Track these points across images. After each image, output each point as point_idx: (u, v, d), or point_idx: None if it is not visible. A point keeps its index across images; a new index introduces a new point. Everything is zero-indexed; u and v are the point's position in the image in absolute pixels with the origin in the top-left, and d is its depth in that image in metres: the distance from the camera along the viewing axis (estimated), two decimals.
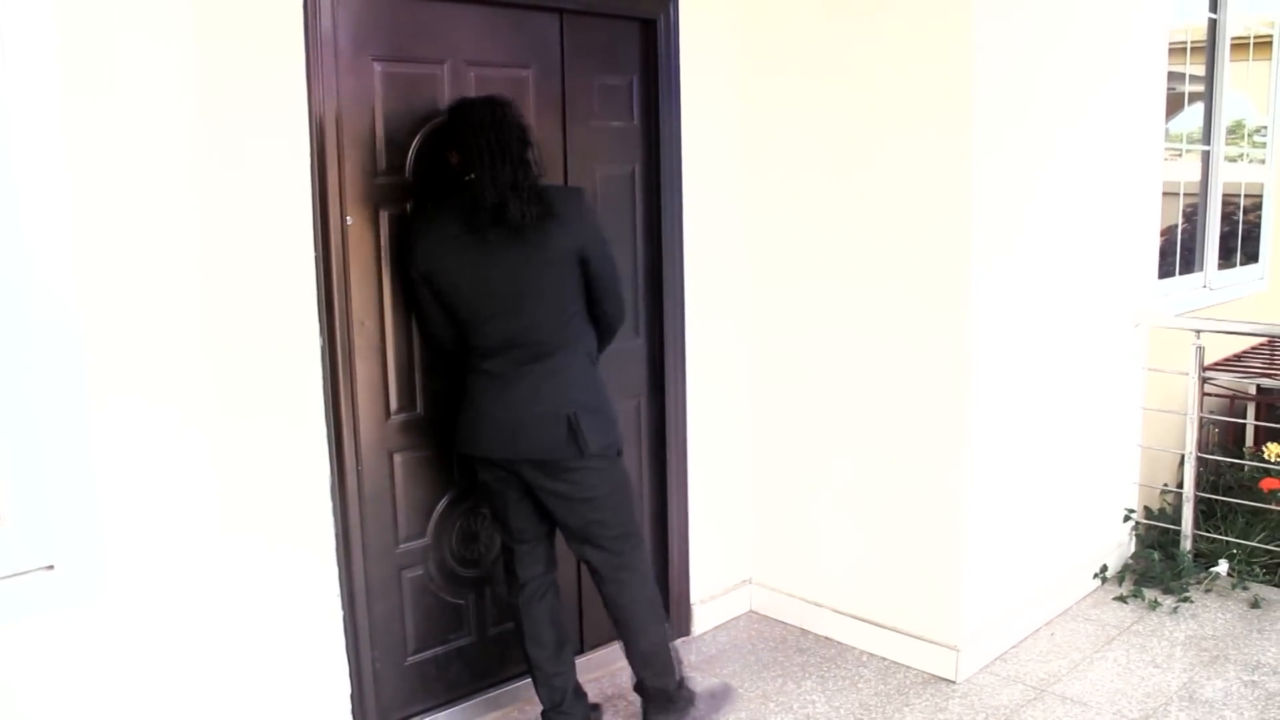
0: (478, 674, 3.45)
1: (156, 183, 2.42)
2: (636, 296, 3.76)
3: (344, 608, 3.08)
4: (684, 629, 4.02)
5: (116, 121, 2.33)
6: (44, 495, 2.18)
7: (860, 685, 3.65)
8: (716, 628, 4.12)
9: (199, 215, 2.53)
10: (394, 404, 3.17)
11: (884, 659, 3.82)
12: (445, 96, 3.14)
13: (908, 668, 3.75)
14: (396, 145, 3.08)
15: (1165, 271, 5.24)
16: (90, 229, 2.28)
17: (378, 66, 3.02)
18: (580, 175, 3.52)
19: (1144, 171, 4.48)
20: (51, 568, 2.13)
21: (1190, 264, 5.68)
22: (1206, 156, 5.71)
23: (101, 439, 2.25)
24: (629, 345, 3.75)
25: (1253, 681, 3.63)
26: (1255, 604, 4.22)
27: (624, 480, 3.08)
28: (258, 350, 2.81)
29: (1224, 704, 3.49)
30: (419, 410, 3.23)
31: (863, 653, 3.87)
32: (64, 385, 2.20)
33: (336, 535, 3.04)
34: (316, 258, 2.90)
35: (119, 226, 2.34)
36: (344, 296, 2.98)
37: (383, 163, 3.06)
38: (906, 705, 3.52)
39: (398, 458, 3.20)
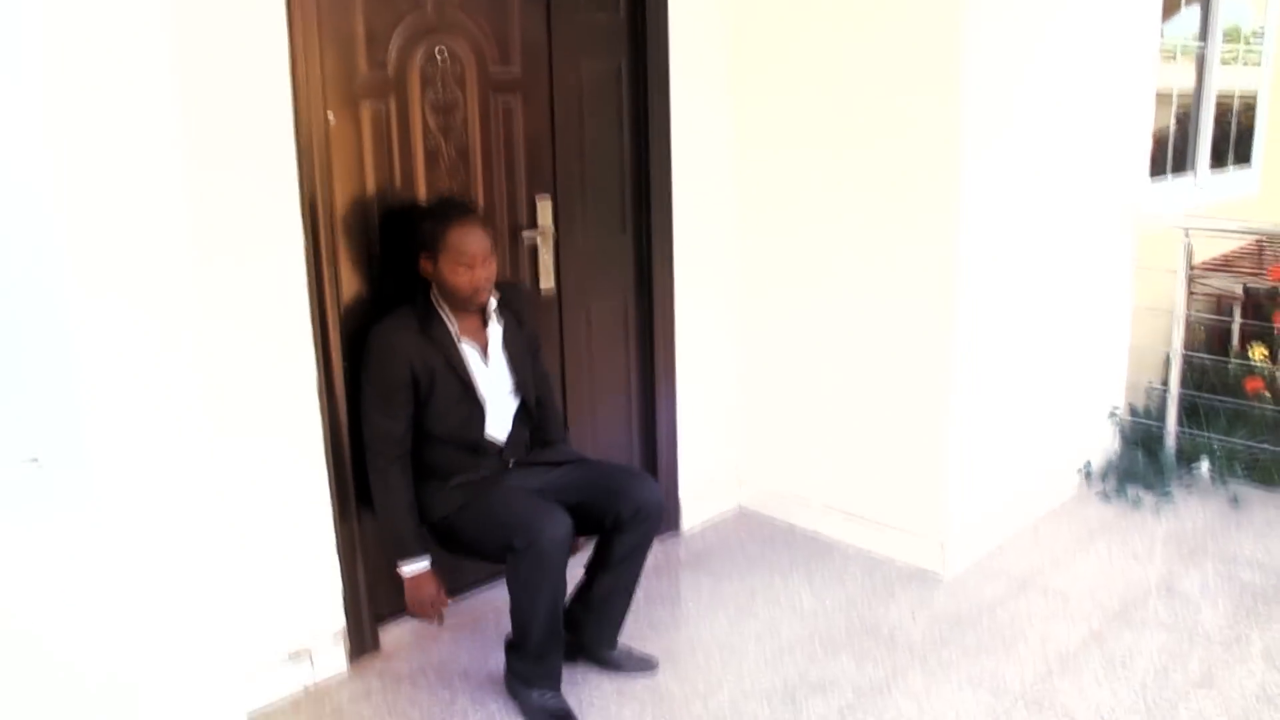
0: (469, 571, 3.48)
1: (133, 84, 2.36)
2: (623, 193, 3.73)
3: (333, 506, 3.09)
4: (673, 526, 4.07)
5: (89, 17, 2.27)
6: (26, 390, 2.17)
7: (847, 579, 3.71)
8: (705, 525, 4.17)
9: (177, 114, 2.48)
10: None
11: (871, 554, 3.87)
12: None
13: (894, 562, 3.81)
14: (378, 40, 3.02)
15: (1157, 172, 5.22)
16: (66, 127, 2.23)
17: None
18: (566, 71, 3.46)
19: (1138, 70, 4.42)
20: (36, 460, 2.13)
21: (1182, 165, 5.65)
22: (1202, 58, 5.64)
23: (83, 336, 2.23)
24: (616, 242, 3.73)
25: (1229, 574, 3.69)
26: (1235, 501, 4.28)
27: None
28: (240, 251, 2.78)
29: (1201, 595, 3.55)
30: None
31: (850, 548, 3.93)
32: (43, 280, 2.17)
33: (325, 435, 3.04)
34: (298, 156, 2.85)
35: (96, 124, 2.29)
36: (327, 195, 2.94)
37: (364, 58, 3.00)
38: (892, 598, 3.58)
39: None
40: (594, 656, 3.15)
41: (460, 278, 2.87)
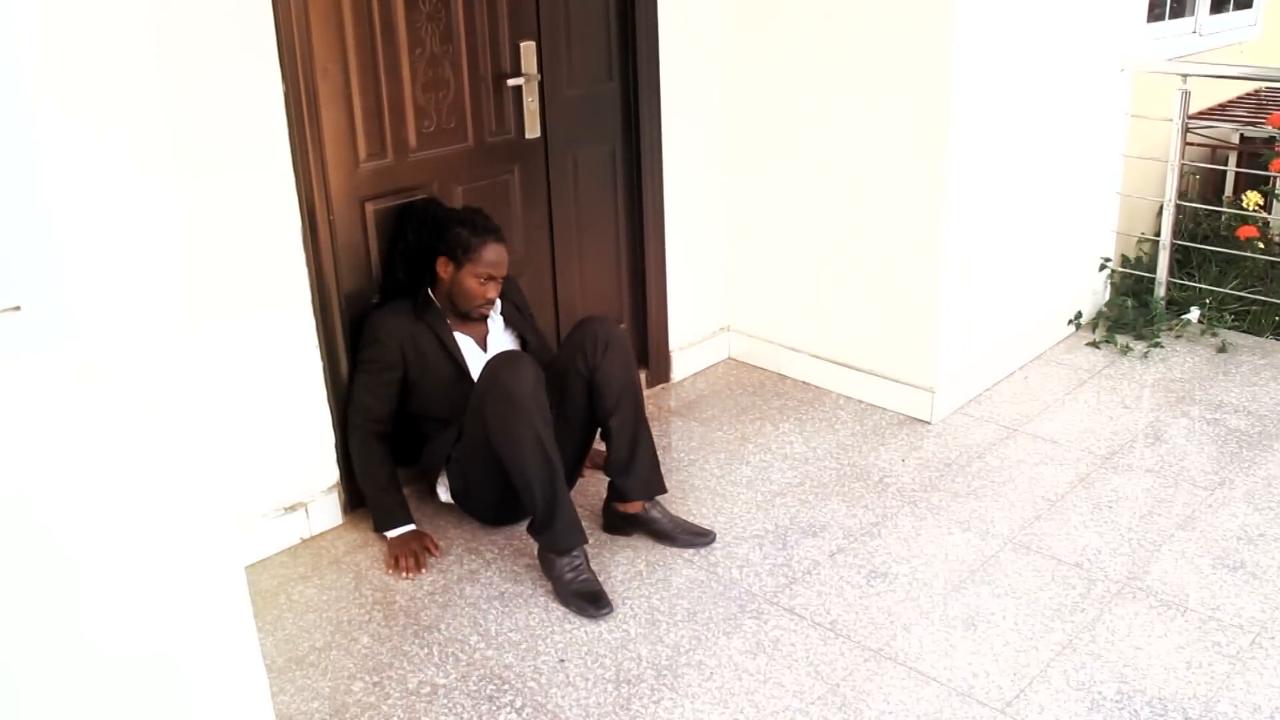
0: None
1: None
2: (609, 39, 3.61)
3: (323, 363, 3.07)
4: (663, 376, 4.07)
5: None
6: (3, 237, 2.10)
7: (837, 426, 3.74)
8: (695, 374, 4.18)
9: None
10: (363, 151, 3.08)
11: (861, 402, 3.89)
12: None
13: (884, 410, 3.83)
14: None
15: (1154, 16, 5.08)
16: None
17: None
18: None
19: None
20: (18, 308, 2.08)
21: (1181, 9, 5.50)
22: None
23: (57, 175, 2.16)
24: (602, 89, 3.64)
25: (1214, 419, 3.73)
26: (1223, 349, 4.30)
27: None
28: (215, 98, 2.68)
29: (1186, 440, 3.59)
30: (389, 157, 3.14)
31: (840, 396, 3.94)
32: (13, 118, 2.09)
33: (311, 287, 3.00)
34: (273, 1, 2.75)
35: None
36: (305, 41, 2.84)
37: None
38: (882, 444, 3.61)
39: (370, 206, 3.13)
40: (650, 527, 3.08)
41: (476, 289, 3.05)
